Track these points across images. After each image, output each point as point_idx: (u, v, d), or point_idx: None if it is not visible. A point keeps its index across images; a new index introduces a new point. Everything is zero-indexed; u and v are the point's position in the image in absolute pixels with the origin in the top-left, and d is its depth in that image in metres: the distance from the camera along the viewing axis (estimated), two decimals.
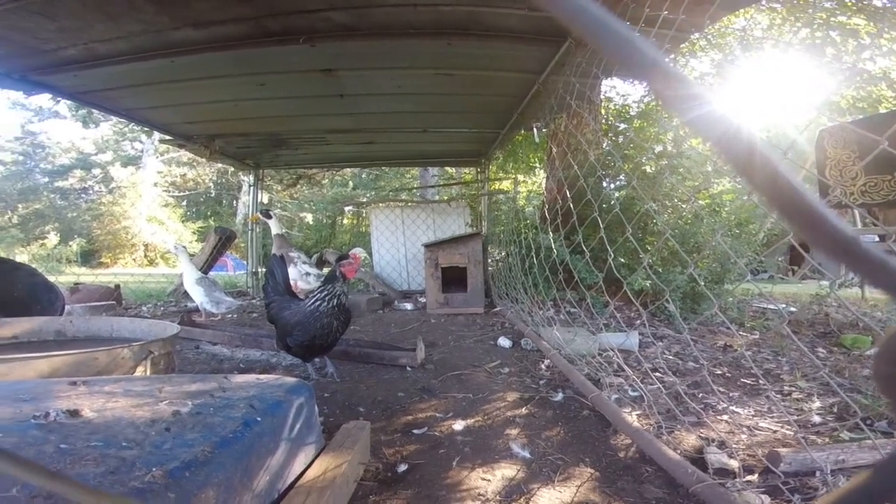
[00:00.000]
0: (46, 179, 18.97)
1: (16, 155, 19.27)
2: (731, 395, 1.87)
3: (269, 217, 4.05)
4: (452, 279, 4.05)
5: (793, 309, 3.77)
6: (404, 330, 3.30)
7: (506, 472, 1.25)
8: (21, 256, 11.47)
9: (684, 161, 3.56)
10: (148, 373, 1.39)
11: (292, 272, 3.76)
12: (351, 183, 13.72)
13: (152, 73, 2.80)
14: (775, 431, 1.49)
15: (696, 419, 1.54)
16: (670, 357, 2.44)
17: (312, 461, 1.03)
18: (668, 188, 3.52)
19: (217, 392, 0.98)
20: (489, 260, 4.91)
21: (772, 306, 3.62)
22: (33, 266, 3.04)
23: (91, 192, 18.53)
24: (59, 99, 3.52)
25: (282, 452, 0.92)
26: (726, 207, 3.87)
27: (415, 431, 1.51)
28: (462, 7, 2.28)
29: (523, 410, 1.69)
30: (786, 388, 1.95)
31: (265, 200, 6.03)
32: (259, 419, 0.88)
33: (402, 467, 1.26)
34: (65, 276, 6.23)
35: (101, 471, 0.60)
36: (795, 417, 1.62)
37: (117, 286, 4.57)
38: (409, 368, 2.24)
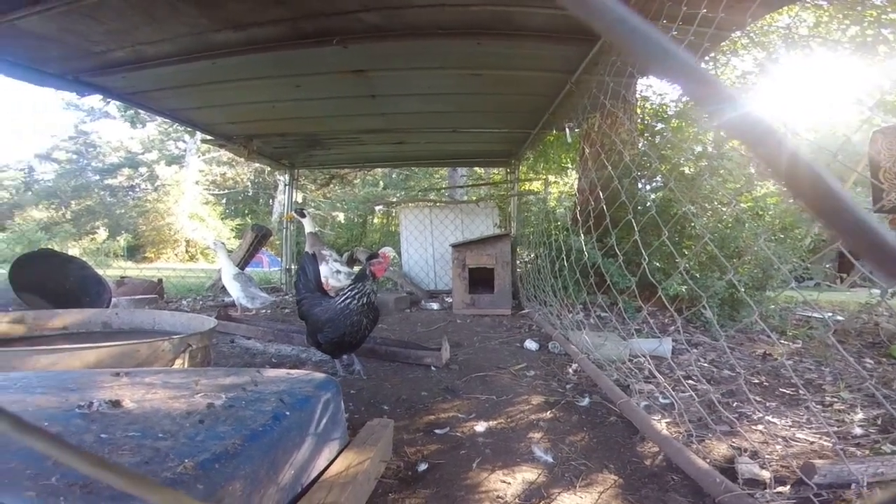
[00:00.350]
0: (97, 177, 20.16)
1: (70, 154, 20.56)
2: (767, 404, 1.80)
3: (303, 216, 4.16)
4: (479, 280, 4.04)
5: (840, 318, 3.56)
6: (430, 329, 3.31)
7: (526, 475, 1.24)
8: (73, 250, 12.21)
9: (725, 162, 3.41)
10: (186, 365, 1.45)
11: (324, 270, 3.84)
12: (382, 183, 13.90)
13: (195, 74, 2.90)
14: (812, 443, 1.44)
15: (729, 428, 1.49)
16: (705, 365, 2.36)
17: (336, 456, 1.05)
18: (707, 190, 3.38)
19: (249, 386, 1.01)
20: (517, 261, 4.87)
21: (817, 314, 3.44)
22: (84, 259, 3.24)
23: (138, 189, 19.56)
24: (109, 100, 3.70)
25: (307, 447, 0.94)
26: (770, 211, 3.69)
27: (437, 431, 1.51)
28: (491, 7, 2.27)
29: (548, 414, 1.67)
30: (827, 398, 1.88)
31: (299, 199, 6.19)
32: (288, 413, 0.90)
33: (423, 466, 1.27)
34: (112, 270, 6.59)
35: (137, 461, 0.63)
36: (836, 429, 1.56)
37: (160, 280, 4.79)
38: (433, 368, 2.25)
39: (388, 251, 3.64)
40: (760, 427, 1.56)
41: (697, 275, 3.35)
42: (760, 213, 3.66)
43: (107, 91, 3.16)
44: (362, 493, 1.02)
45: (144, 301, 4.02)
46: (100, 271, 3.16)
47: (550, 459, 1.32)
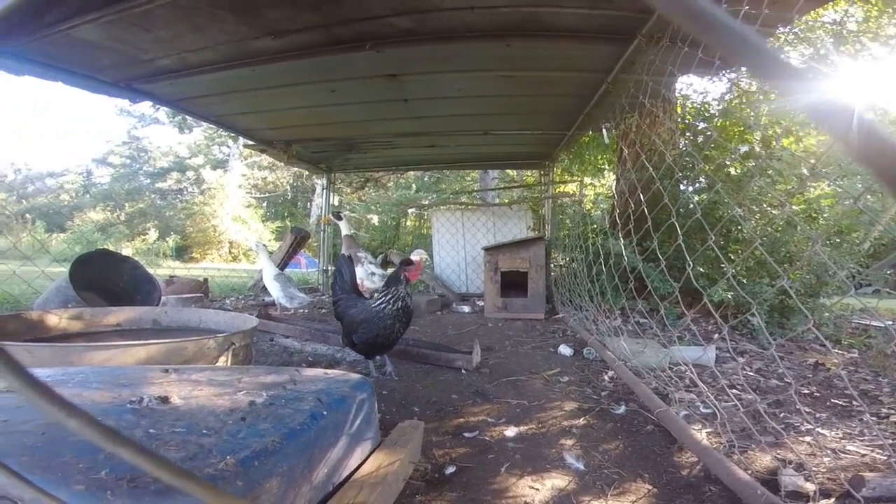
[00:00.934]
0: (148, 181, 21.38)
1: (124, 158, 21.90)
2: (817, 415, 1.71)
3: (340, 219, 4.26)
4: (512, 283, 4.00)
5: None
6: (461, 332, 3.31)
7: (556, 482, 1.21)
8: (126, 250, 12.98)
9: (774, 163, 3.23)
10: (229, 362, 1.51)
11: (359, 271, 3.92)
12: (414, 186, 14.05)
13: (237, 80, 3.01)
14: (864, 455, 1.35)
15: (775, 439, 1.42)
16: (751, 374, 2.26)
17: (368, 456, 1.06)
18: (755, 192, 3.21)
19: (289, 385, 1.04)
20: (552, 265, 4.79)
21: (876, 323, 3.21)
22: (136, 259, 3.44)
23: (185, 192, 20.59)
24: (158, 106, 3.89)
25: (341, 446, 0.95)
26: (825, 214, 3.46)
27: (465, 434, 1.50)
28: (520, 8, 2.25)
29: (581, 421, 1.63)
30: (884, 410, 1.77)
31: (336, 202, 6.32)
32: (325, 413, 0.92)
33: (450, 469, 1.26)
34: (161, 269, 6.97)
35: (182, 456, 0.66)
36: (891, 441, 1.46)
37: (205, 280, 5.02)
38: (464, 371, 2.24)
39: (419, 254, 3.66)
40: (808, 438, 1.49)
41: (744, 280, 3.19)
42: (814, 215, 3.45)
43: (156, 97, 3.32)
44: (391, 493, 1.03)
45: (191, 299, 4.21)
46: (150, 270, 3.34)
47: (582, 467, 1.29)
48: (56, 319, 1.88)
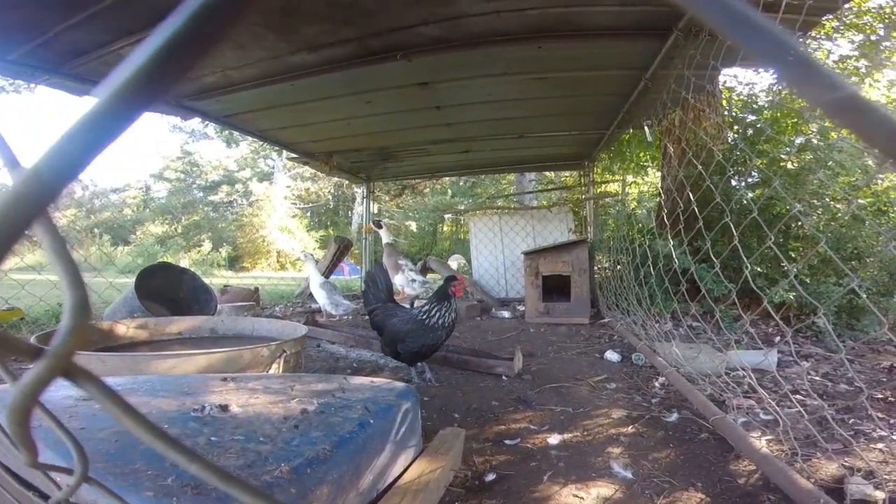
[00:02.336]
0: (201, 194, 22.64)
1: (178, 173, 23.29)
2: (891, 421, 1.59)
3: (381, 227, 4.36)
4: (554, 288, 3.93)
5: None
6: (501, 338, 3.28)
7: (602, 490, 1.18)
8: (183, 262, 13.81)
9: (835, 154, 3.01)
10: (281, 370, 1.58)
11: (400, 279, 3.99)
12: (450, 191, 14.12)
13: (277, 95, 3.14)
14: None
15: (843, 447, 1.34)
16: (816, 378, 2.11)
17: (411, 463, 1.08)
18: (815, 186, 3.00)
19: (338, 392, 1.07)
20: (595, 268, 4.67)
21: None
22: (194, 271, 3.66)
23: (235, 204, 21.67)
24: (207, 122, 4.12)
25: (387, 454, 0.97)
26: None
27: (507, 442, 1.49)
28: (549, 9, 2.22)
29: (629, 429, 1.58)
30: None
31: (375, 210, 6.46)
32: (372, 421, 0.95)
33: (491, 477, 1.25)
34: (216, 279, 7.37)
35: (241, 463, 0.70)
36: None
37: (256, 289, 5.27)
38: (505, 378, 2.22)
39: (458, 259, 3.66)
40: (881, 445, 1.39)
41: (808, 280, 2.98)
42: (884, 208, 3.17)
43: (204, 114, 3.50)
44: (432, 500, 1.04)
45: (244, 308, 4.43)
46: (206, 280, 3.55)
47: (630, 476, 1.25)
48: (124, 329, 2.03)
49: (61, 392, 0.89)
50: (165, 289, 3.21)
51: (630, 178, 6.50)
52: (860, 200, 3.10)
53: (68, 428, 0.27)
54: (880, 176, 3.22)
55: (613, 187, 6.28)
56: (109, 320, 2.23)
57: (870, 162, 2.92)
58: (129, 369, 1.38)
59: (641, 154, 5.99)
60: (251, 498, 0.21)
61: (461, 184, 13.71)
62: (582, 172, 5.88)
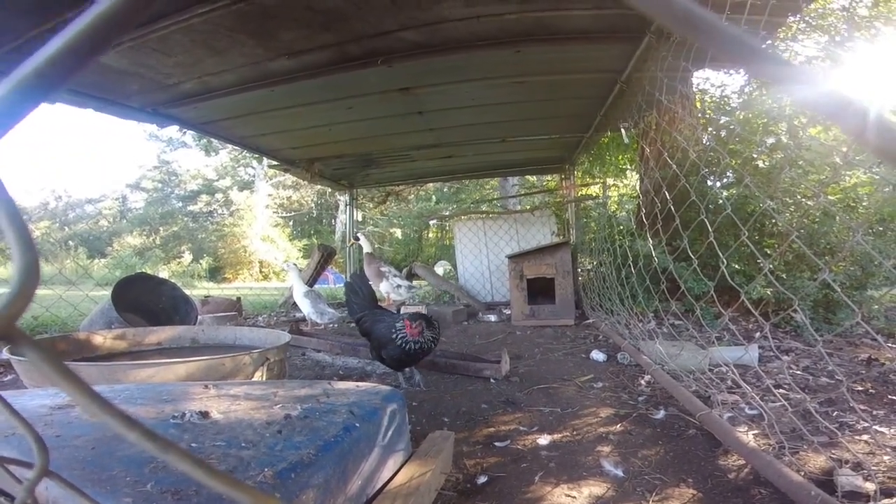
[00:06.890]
0: (180, 204, 22.19)
1: (156, 183, 22.78)
2: (874, 413, 1.62)
3: (358, 239, 4.40)
4: (539, 290, 3.95)
5: None
6: (489, 342, 3.29)
7: (594, 489, 1.18)
8: (163, 273, 13.50)
9: (804, 153, 3.11)
10: (264, 377, 1.55)
11: (385, 286, 3.97)
12: (434, 197, 14.14)
13: (257, 102, 3.10)
14: None
15: (828, 439, 1.36)
16: (798, 372, 2.16)
17: (400, 467, 1.07)
18: (787, 184, 3.10)
19: (322, 398, 1.06)
20: (579, 269, 4.72)
21: None
22: (173, 281, 3.58)
23: (215, 214, 21.31)
24: (184, 129, 4.06)
25: (374, 458, 0.96)
26: (864, 202, 3.30)
27: (497, 444, 1.48)
28: (527, 13, 2.25)
29: (618, 427, 1.59)
30: None
31: (359, 218, 6.43)
32: (357, 425, 0.93)
33: (482, 479, 1.25)
34: (197, 290, 7.22)
35: (222, 469, 0.68)
36: None
37: (238, 299, 5.16)
38: (493, 380, 2.22)
39: (443, 265, 3.67)
40: (866, 437, 1.41)
41: (783, 275, 3.06)
42: (853, 204, 3.29)
43: (181, 121, 3.44)
44: None
45: (226, 318, 4.34)
46: (187, 291, 3.47)
47: (621, 473, 1.26)
48: (101, 339, 1.97)
49: (35, 401, 0.86)
50: (144, 300, 3.13)
51: (610, 181, 6.61)
52: (829, 197, 3.21)
53: (25, 418, 0.25)
54: (847, 173, 3.34)
55: (594, 189, 6.38)
56: (86, 331, 2.16)
57: (837, 160, 3.03)
58: (106, 379, 1.34)
59: (620, 157, 6.11)
60: (223, 485, 0.21)
61: (445, 190, 13.75)
62: (563, 176, 5.96)
